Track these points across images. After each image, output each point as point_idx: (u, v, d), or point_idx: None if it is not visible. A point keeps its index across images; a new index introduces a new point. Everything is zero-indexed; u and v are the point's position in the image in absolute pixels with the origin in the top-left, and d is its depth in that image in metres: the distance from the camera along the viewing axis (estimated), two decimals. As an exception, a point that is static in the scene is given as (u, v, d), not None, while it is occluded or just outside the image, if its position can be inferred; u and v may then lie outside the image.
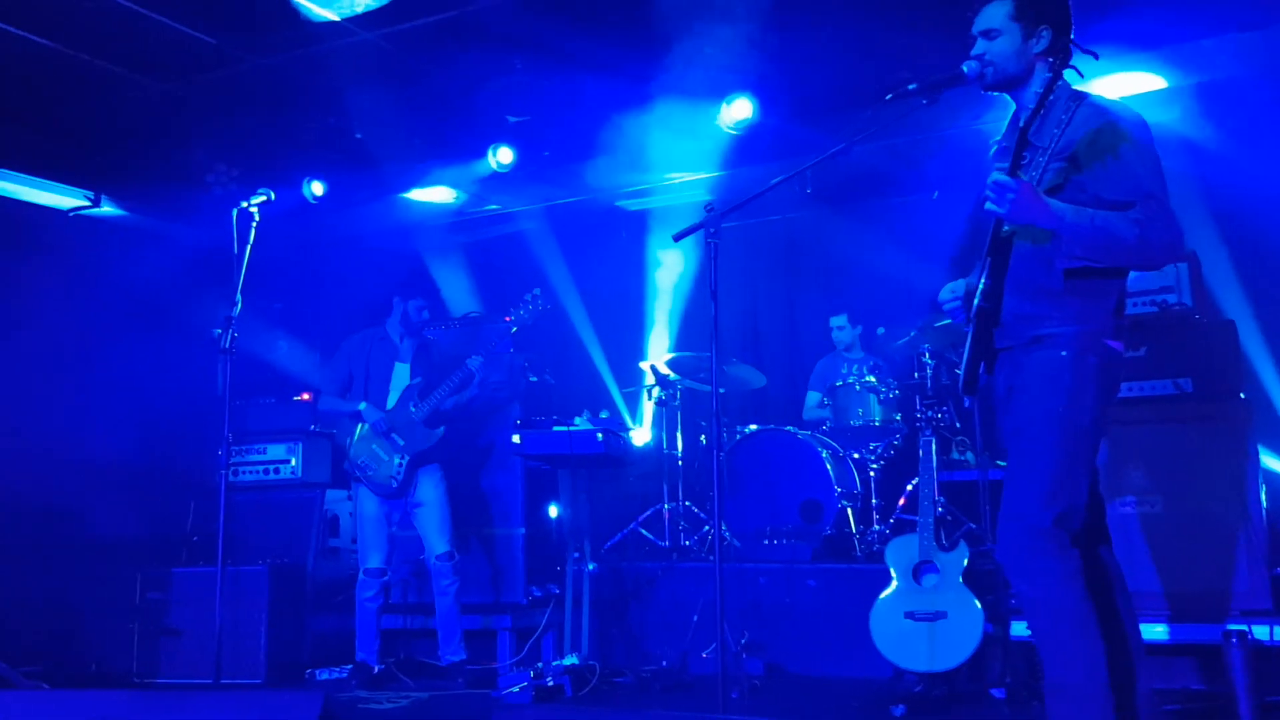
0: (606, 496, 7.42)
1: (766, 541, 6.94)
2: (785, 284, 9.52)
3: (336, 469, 7.30)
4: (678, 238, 4.88)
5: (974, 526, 6.60)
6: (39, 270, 7.71)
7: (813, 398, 8.13)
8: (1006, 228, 3.48)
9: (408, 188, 8.66)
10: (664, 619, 6.66)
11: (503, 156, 7.92)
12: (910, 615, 5.32)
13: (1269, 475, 5.37)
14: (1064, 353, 3.42)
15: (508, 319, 6.41)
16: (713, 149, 7.82)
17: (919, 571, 5.41)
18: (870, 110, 6.66)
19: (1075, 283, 3.43)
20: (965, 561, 5.33)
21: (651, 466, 7.89)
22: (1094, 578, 3.46)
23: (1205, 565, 5.03)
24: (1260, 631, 4.74)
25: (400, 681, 6.37)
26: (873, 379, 7.23)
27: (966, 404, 6.85)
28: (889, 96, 3.84)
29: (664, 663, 6.31)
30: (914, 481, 6.89)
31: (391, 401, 6.41)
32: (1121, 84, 6.73)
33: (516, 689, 5.73)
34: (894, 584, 5.44)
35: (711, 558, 6.14)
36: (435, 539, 6.33)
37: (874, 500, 7.13)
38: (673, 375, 7.77)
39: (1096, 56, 3.62)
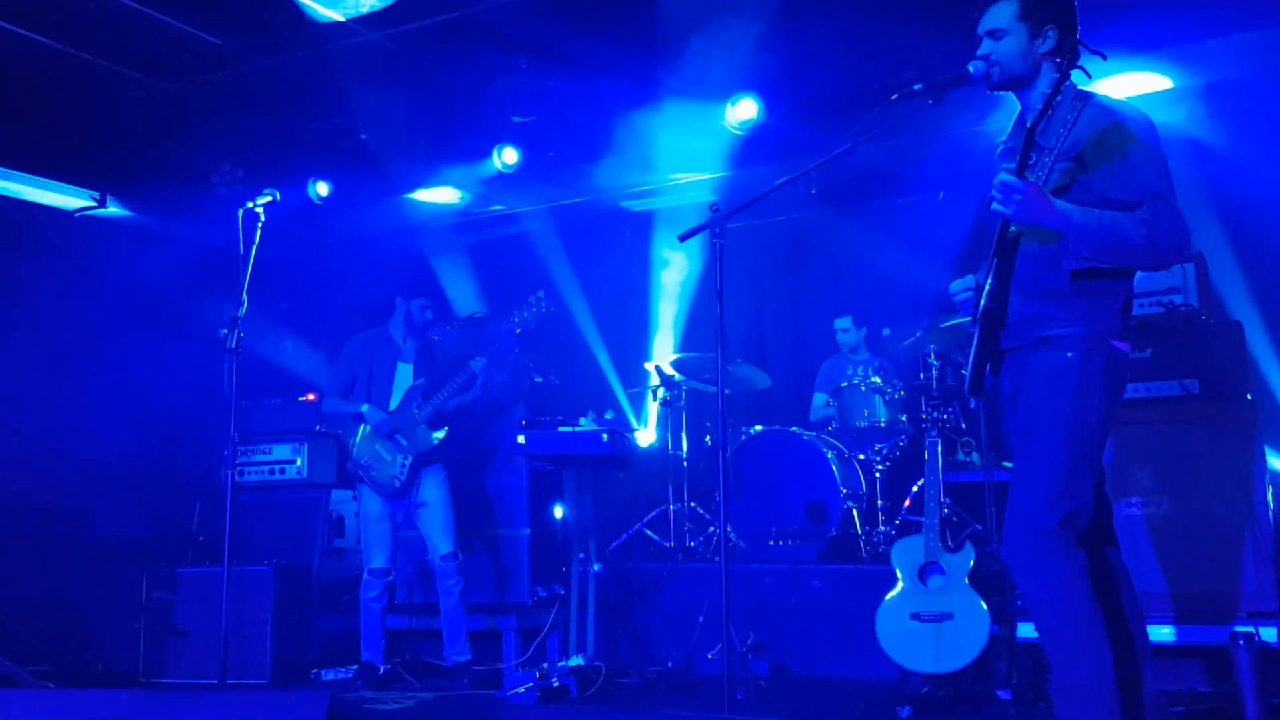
0: (611, 497, 7.42)
1: (772, 542, 6.93)
2: (790, 284, 9.51)
3: (342, 469, 7.31)
4: (683, 238, 4.87)
5: (980, 528, 6.60)
6: (45, 270, 7.73)
7: (819, 399, 8.12)
8: (1013, 228, 3.47)
9: (413, 188, 8.66)
10: (669, 620, 6.65)
11: (508, 157, 7.91)
12: (916, 616, 5.32)
13: (1275, 476, 5.34)
14: (1070, 353, 3.42)
15: (512, 320, 6.41)
16: (718, 149, 7.80)
17: (925, 573, 5.41)
18: (876, 110, 6.66)
19: (1082, 283, 3.42)
20: (971, 563, 5.33)
21: (656, 467, 7.89)
22: (1100, 578, 3.46)
23: (1212, 566, 5.02)
24: (1267, 633, 4.73)
25: (406, 682, 6.37)
26: (878, 380, 7.21)
27: (972, 405, 6.85)
28: (894, 97, 3.84)
29: (669, 663, 6.31)
30: (919, 482, 6.88)
31: (394, 402, 6.42)
32: (1128, 84, 6.71)
33: (522, 690, 5.72)
34: (900, 585, 5.43)
35: (717, 558, 6.16)
36: (439, 539, 6.33)
37: (879, 501, 7.12)
38: (677, 376, 7.77)
39: (1104, 57, 3.61)
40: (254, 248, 5.51)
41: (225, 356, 5.42)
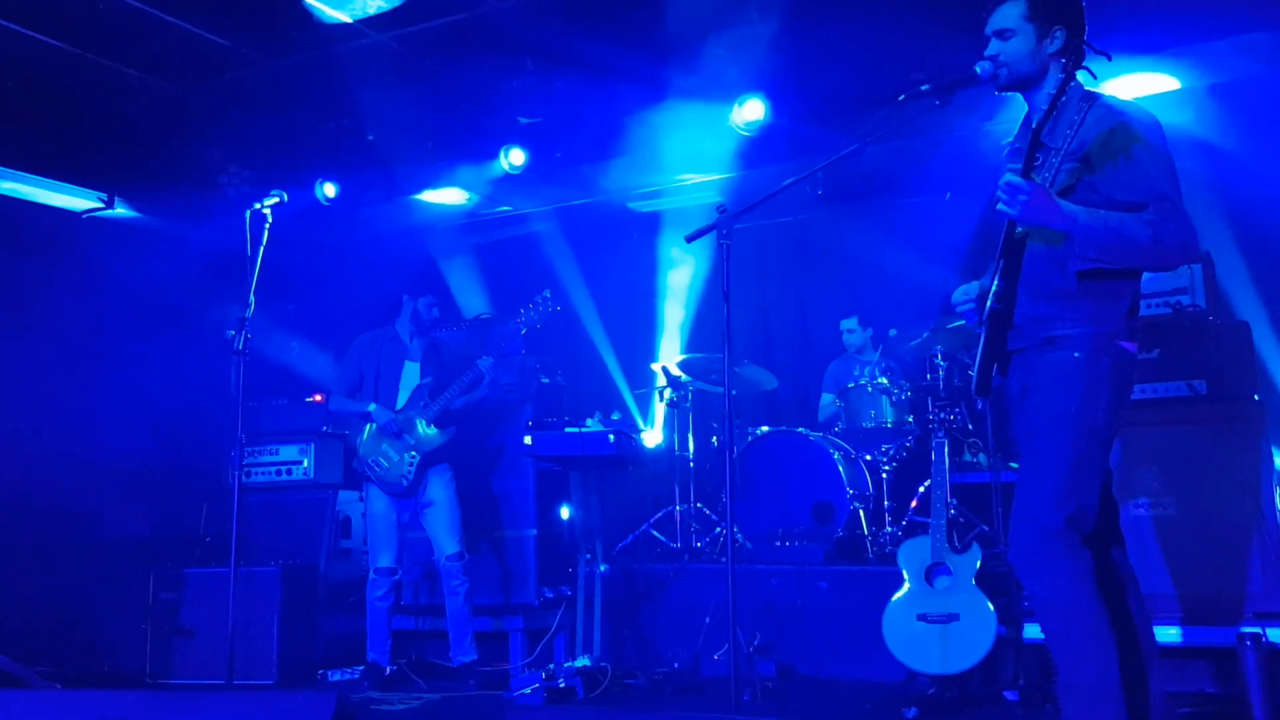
0: (618, 498, 7.41)
1: (778, 543, 6.93)
2: (797, 285, 9.51)
3: (348, 470, 7.32)
4: (690, 239, 4.87)
5: (986, 529, 6.59)
6: (52, 272, 7.75)
7: (827, 399, 8.12)
8: (1019, 229, 3.47)
9: (420, 189, 8.67)
10: (676, 621, 6.65)
11: (514, 158, 7.92)
12: (923, 617, 5.31)
13: (1283, 477, 5.34)
14: (1077, 354, 3.41)
15: (518, 319, 6.41)
16: (725, 150, 7.80)
17: (931, 574, 5.40)
18: (882, 111, 6.64)
19: (1088, 284, 3.41)
20: (978, 564, 5.32)
21: (663, 468, 7.89)
22: (1107, 579, 3.45)
23: (1219, 567, 5.01)
24: (1275, 634, 4.71)
25: (412, 682, 6.38)
26: (885, 381, 7.20)
27: (979, 406, 6.84)
28: (901, 97, 3.84)
29: (676, 664, 6.31)
30: (926, 483, 6.88)
31: (402, 401, 6.42)
32: (1135, 85, 6.71)
33: (528, 690, 5.72)
34: (906, 586, 5.43)
35: (723, 559, 6.16)
36: (445, 539, 6.34)
37: (886, 502, 7.12)
38: (684, 377, 7.77)
39: (1109, 57, 3.60)
40: (261, 249, 5.52)
41: (232, 357, 5.43)
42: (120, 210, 8.17)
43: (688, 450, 7.72)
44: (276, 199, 5.58)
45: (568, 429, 6.43)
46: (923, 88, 3.77)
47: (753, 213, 4.86)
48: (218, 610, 6.27)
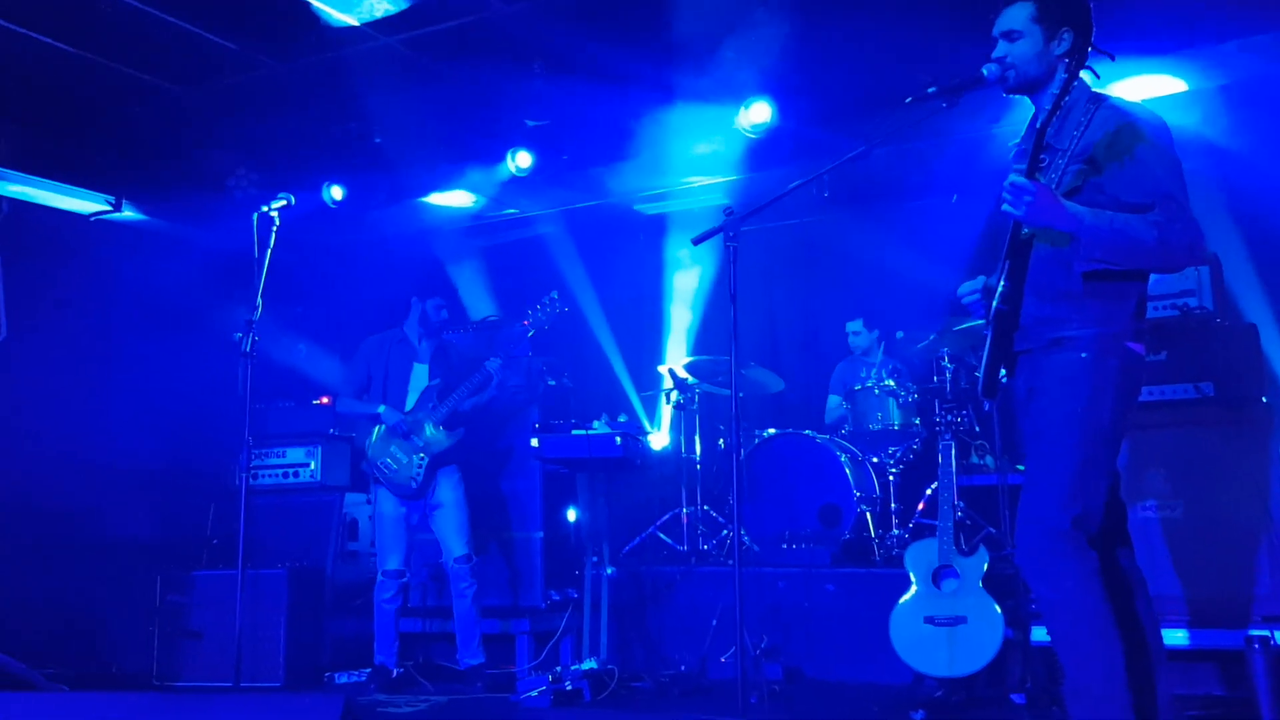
0: (625, 500, 7.40)
1: (785, 546, 6.92)
2: (803, 287, 9.50)
3: (355, 472, 7.33)
4: (696, 241, 4.86)
5: (993, 531, 6.57)
6: (60, 275, 7.75)
7: (834, 401, 8.11)
8: (1025, 230, 3.46)
9: (427, 192, 8.67)
10: (683, 623, 6.64)
11: (521, 161, 7.92)
12: (930, 620, 5.31)
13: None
14: (1084, 355, 3.41)
15: (525, 322, 6.42)
16: (731, 153, 7.80)
17: (939, 576, 5.39)
18: (889, 113, 6.64)
19: (1095, 285, 3.41)
20: (985, 566, 5.32)
21: (670, 470, 7.89)
22: (1114, 581, 3.45)
23: (1227, 570, 5.01)
24: (1283, 637, 4.71)
25: (419, 685, 6.38)
26: (891, 383, 7.19)
27: (986, 408, 6.82)
28: (908, 100, 3.83)
29: (683, 667, 6.30)
30: (933, 486, 6.87)
31: (410, 402, 6.43)
32: (1142, 86, 6.69)
33: (535, 693, 5.72)
34: (913, 589, 5.42)
35: (730, 562, 6.16)
36: (453, 541, 6.35)
37: (893, 504, 7.11)
38: (691, 379, 7.76)
39: (1113, 58, 3.60)
40: (269, 251, 5.52)
41: (240, 360, 5.44)
42: (128, 213, 8.18)
43: (694, 452, 7.72)
44: (284, 202, 5.59)
45: (574, 431, 6.44)
46: (930, 90, 3.76)
47: (759, 215, 4.85)
48: (224, 612, 6.29)
